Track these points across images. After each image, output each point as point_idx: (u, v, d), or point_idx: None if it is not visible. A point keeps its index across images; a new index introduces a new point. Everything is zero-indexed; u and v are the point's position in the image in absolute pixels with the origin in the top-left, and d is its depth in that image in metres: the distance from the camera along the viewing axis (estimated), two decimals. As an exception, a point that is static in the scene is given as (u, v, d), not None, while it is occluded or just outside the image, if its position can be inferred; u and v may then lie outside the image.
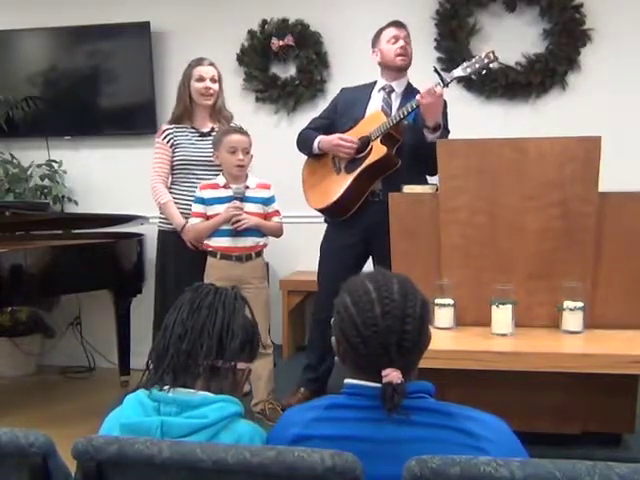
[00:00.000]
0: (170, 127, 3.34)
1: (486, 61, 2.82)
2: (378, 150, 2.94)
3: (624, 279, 2.46)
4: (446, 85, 2.82)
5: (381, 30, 3.14)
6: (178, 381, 1.38)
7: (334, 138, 3.07)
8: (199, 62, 3.31)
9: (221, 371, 1.39)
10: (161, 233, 3.40)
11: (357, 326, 1.26)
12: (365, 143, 3.01)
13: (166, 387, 1.37)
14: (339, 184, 3.06)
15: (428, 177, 3.11)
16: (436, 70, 2.81)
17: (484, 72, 2.93)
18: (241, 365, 1.44)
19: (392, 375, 1.23)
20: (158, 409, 1.35)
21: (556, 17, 3.86)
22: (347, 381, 1.32)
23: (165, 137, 3.32)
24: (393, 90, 3.13)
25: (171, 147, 3.31)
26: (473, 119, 3.88)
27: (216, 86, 3.31)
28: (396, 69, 3.10)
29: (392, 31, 3.09)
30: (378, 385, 1.25)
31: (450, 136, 2.98)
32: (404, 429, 1.24)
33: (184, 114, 3.32)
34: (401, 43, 3.05)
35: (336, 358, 1.38)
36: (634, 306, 2.44)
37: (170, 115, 3.41)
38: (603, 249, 2.46)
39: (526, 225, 2.48)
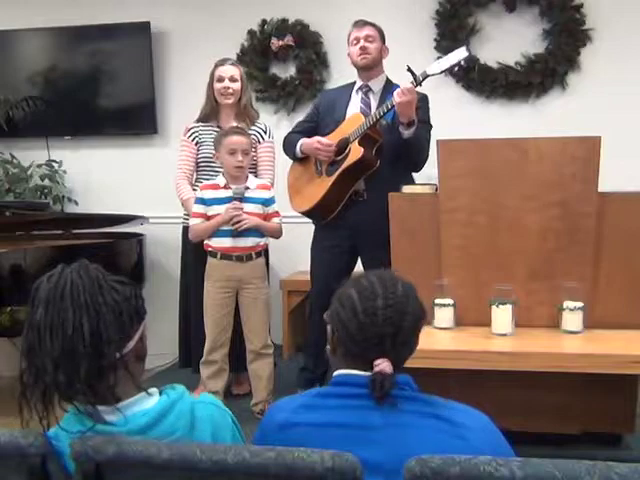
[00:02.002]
0: (196, 125, 3.40)
1: (458, 58, 2.81)
2: (355, 152, 2.95)
3: (624, 279, 2.46)
4: (419, 84, 2.83)
5: (348, 34, 3.17)
6: (90, 399, 1.19)
7: (314, 142, 3.09)
8: (221, 62, 3.37)
9: (115, 366, 1.20)
10: (185, 230, 3.41)
11: (357, 313, 1.30)
12: (344, 145, 3.02)
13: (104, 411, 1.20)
14: (320, 187, 3.07)
15: (414, 174, 3.12)
16: (409, 69, 2.82)
17: (457, 69, 2.93)
18: (130, 345, 1.23)
19: (384, 365, 1.27)
20: None
21: (556, 17, 3.86)
22: (336, 372, 1.36)
23: (190, 135, 3.38)
24: (370, 89, 3.14)
25: (196, 145, 3.37)
26: (473, 119, 3.89)
27: (236, 85, 3.33)
28: (361, 69, 3.13)
29: (353, 33, 3.13)
30: (365, 374, 1.29)
31: (450, 136, 2.97)
32: (387, 416, 1.27)
33: (211, 113, 3.38)
34: (361, 44, 3.08)
35: (327, 351, 1.41)
36: (634, 306, 2.44)
37: (167, 114, 3.40)
38: (603, 249, 2.46)
39: (526, 225, 2.48)
